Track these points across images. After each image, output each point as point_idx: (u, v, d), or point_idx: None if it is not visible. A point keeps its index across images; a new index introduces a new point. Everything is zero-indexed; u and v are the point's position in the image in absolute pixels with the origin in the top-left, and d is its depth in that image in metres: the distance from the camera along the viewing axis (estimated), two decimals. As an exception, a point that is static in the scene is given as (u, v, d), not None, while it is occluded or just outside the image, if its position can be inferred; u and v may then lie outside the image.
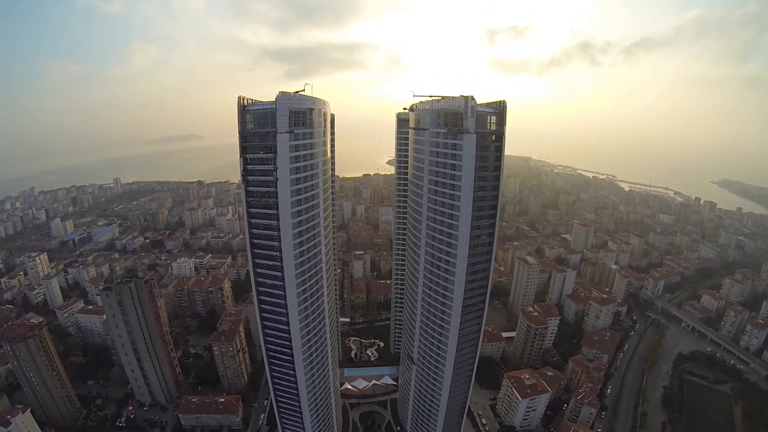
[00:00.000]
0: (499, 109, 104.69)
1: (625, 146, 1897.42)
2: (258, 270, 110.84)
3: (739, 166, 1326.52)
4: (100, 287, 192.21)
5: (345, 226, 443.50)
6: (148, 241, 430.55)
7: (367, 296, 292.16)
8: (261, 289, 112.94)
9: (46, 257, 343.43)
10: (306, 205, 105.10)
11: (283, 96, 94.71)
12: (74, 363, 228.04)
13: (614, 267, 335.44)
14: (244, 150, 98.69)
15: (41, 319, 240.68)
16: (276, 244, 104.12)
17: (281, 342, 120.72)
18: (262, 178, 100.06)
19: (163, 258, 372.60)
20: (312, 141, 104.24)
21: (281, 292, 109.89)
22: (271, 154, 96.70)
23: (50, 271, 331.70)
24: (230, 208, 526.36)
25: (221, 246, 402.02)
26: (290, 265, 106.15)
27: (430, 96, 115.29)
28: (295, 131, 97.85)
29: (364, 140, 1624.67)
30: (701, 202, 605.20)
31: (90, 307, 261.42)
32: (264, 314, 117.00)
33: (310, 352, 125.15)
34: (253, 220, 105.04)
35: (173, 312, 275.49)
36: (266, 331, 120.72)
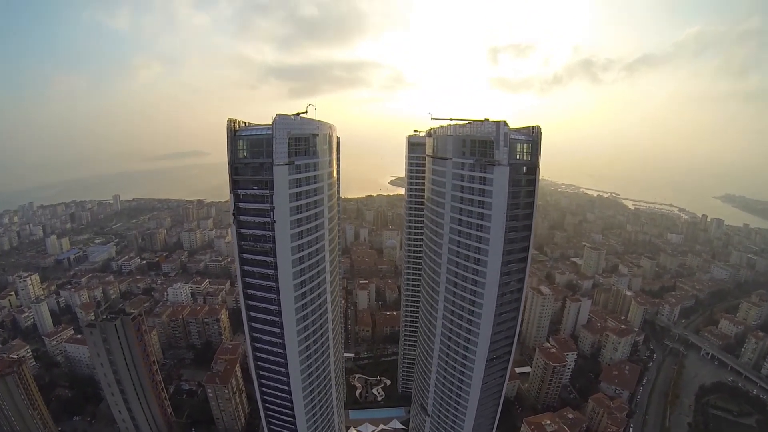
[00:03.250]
0: (532, 135, 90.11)
1: (627, 163, 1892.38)
2: (253, 324, 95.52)
3: (742, 180, 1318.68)
4: (85, 324, 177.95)
5: (348, 251, 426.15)
6: (144, 262, 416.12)
7: (373, 329, 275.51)
8: (257, 345, 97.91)
9: (38, 278, 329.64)
10: (309, 249, 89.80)
11: (281, 120, 79.44)
12: (60, 397, 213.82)
13: (629, 293, 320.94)
14: (235, 185, 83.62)
15: (26, 347, 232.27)
16: (274, 296, 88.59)
17: (282, 405, 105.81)
18: (257, 219, 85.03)
19: (159, 282, 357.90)
20: (316, 173, 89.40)
21: (281, 350, 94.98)
22: (267, 191, 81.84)
23: (42, 292, 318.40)
24: (230, 230, 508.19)
25: (219, 270, 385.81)
26: (291, 323, 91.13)
27: (451, 119, 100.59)
28: (296, 162, 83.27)
29: (366, 159, 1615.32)
30: (708, 220, 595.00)
31: (79, 336, 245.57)
32: (261, 371, 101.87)
33: (312, 405, 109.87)
34: (246, 268, 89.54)
35: (167, 342, 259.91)
36: (264, 390, 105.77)
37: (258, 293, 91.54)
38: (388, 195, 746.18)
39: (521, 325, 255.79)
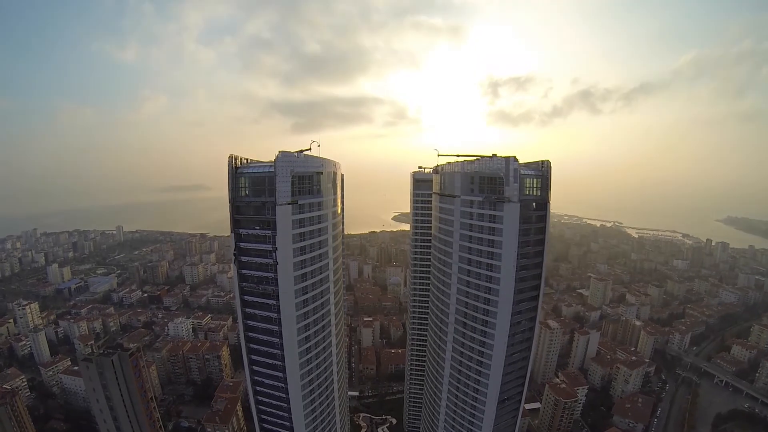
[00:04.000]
0: (542, 170, 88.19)
1: (628, 191, 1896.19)
2: (255, 368, 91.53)
3: (743, 201, 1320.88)
4: (81, 358, 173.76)
5: (351, 288, 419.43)
6: (146, 295, 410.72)
7: (377, 367, 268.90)
8: (258, 389, 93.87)
9: (37, 307, 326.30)
10: (313, 292, 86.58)
11: (284, 157, 76.85)
12: (54, 429, 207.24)
13: (638, 323, 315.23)
14: (236, 224, 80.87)
15: (21, 377, 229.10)
16: (277, 340, 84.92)
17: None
18: (259, 260, 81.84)
19: (159, 315, 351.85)
20: (320, 213, 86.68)
21: (283, 395, 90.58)
22: (270, 231, 78.80)
23: (41, 321, 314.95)
24: (233, 265, 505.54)
25: (222, 306, 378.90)
26: (294, 366, 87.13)
27: (458, 155, 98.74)
28: (300, 201, 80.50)
29: (369, 195, 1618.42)
30: (713, 244, 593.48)
31: (76, 367, 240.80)
32: (263, 415, 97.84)
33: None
34: (248, 310, 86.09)
35: (166, 378, 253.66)
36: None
37: (260, 336, 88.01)
38: (392, 231, 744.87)
39: (531, 362, 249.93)
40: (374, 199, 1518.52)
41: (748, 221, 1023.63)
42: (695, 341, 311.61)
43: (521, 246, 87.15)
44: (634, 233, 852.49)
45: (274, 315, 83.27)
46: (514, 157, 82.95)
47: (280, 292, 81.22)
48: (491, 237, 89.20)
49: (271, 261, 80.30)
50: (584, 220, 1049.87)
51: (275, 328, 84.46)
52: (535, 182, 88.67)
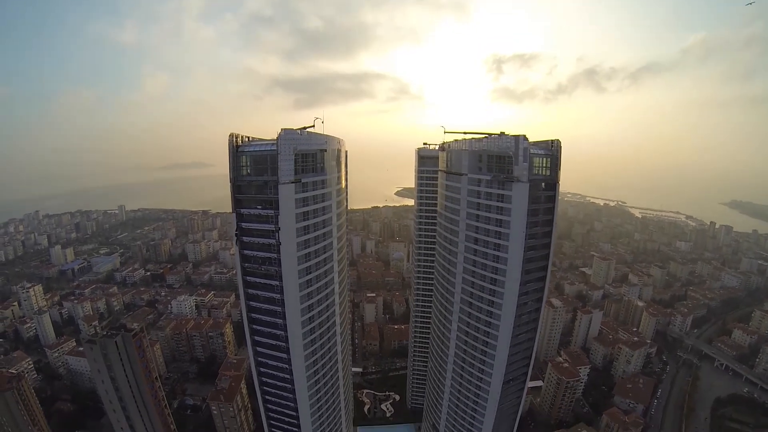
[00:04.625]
0: (551, 150, 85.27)
1: (632, 171, 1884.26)
2: (258, 349, 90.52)
3: (749, 185, 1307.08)
4: (85, 340, 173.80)
5: (354, 263, 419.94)
6: (148, 274, 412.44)
7: (381, 343, 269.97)
8: (262, 369, 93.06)
9: (41, 289, 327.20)
10: (317, 272, 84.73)
11: (286, 135, 74.13)
12: (61, 411, 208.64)
13: (640, 304, 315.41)
14: (237, 203, 78.50)
15: (27, 359, 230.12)
16: (280, 321, 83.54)
17: (289, 423, 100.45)
18: (262, 240, 79.71)
19: (163, 294, 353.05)
20: (324, 191, 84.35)
21: (287, 376, 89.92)
22: (272, 211, 76.50)
23: (45, 303, 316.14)
24: (235, 245, 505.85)
25: (224, 283, 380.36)
26: (298, 347, 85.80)
27: (465, 133, 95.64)
28: (303, 180, 78.07)
29: (371, 170, 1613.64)
30: (716, 227, 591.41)
31: (81, 348, 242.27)
32: (267, 396, 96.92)
33: (320, 423, 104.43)
34: (250, 291, 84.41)
35: (170, 356, 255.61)
36: (270, 414, 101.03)
37: (263, 318, 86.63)
38: (394, 206, 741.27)
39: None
40: (377, 174, 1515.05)
41: (752, 205, 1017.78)
42: (697, 324, 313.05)
43: (529, 226, 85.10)
44: (637, 213, 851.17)
45: (277, 296, 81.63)
46: (524, 136, 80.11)
47: (283, 273, 79.49)
48: (499, 217, 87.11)
49: (273, 241, 78.30)
50: (588, 199, 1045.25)
51: (278, 309, 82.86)
52: (544, 162, 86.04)
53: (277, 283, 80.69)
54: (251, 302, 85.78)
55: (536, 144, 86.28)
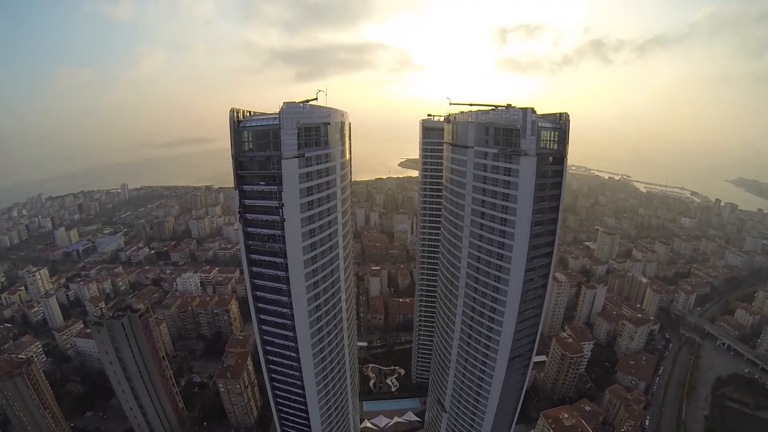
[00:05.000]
0: (560, 123, 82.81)
1: (637, 145, 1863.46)
2: (264, 327, 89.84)
3: (756, 164, 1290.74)
4: (92, 323, 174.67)
5: (358, 236, 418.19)
6: (153, 252, 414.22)
7: (386, 317, 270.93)
8: (268, 348, 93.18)
9: (47, 272, 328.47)
10: (322, 248, 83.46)
11: (289, 108, 71.77)
12: (72, 392, 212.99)
13: (644, 280, 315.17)
14: (240, 180, 76.56)
15: (36, 343, 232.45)
16: (285, 299, 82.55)
17: (295, 401, 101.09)
18: (265, 217, 78.20)
19: (167, 272, 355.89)
20: (328, 165, 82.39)
21: (294, 353, 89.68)
22: (276, 186, 74.73)
23: (51, 286, 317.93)
24: (238, 223, 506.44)
25: (229, 258, 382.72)
26: (304, 325, 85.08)
27: (471, 104, 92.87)
28: (307, 154, 76.08)
29: (374, 142, 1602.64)
30: (721, 204, 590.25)
31: (88, 330, 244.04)
32: (273, 374, 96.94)
33: (327, 400, 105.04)
34: (254, 269, 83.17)
35: (177, 334, 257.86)
36: (276, 391, 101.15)
37: (268, 296, 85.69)
38: (398, 177, 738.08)
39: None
40: (380, 146, 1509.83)
41: (758, 184, 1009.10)
42: (700, 302, 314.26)
43: (536, 201, 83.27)
44: (642, 187, 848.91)
45: (282, 273, 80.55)
46: (532, 108, 77.47)
47: (288, 250, 78.15)
48: (506, 191, 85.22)
49: (277, 218, 76.88)
50: (592, 172, 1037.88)
51: (283, 286, 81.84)
52: (552, 135, 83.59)
53: (282, 260, 79.42)
54: (255, 280, 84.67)
55: (544, 117, 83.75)
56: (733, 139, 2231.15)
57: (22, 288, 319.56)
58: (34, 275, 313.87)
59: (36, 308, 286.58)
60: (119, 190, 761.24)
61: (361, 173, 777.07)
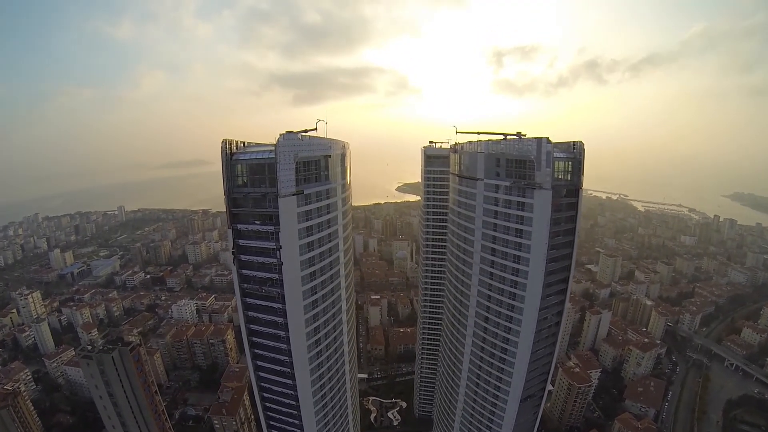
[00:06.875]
0: (574, 153, 78.27)
1: (634, 164, 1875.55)
2: (260, 374, 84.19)
3: (750, 177, 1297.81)
4: (80, 356, 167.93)
5: (357, 262, 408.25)
6: (148, 277, 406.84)
7: (386, 347, 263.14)
8: (266, 395, 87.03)
9: (39, 295, 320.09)
10: (323, 291, 78.02)
11: (286, 140, 66.26)
12: (61, 423, 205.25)
13: (649, 303, 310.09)
14: (233, 218, 70.89)
15: (26, 370, 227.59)
16: (284, 347, 76.78)
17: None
18: (262, 259, 72.46)
19: (163, 298, 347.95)
20: (329, 201, 77.12)
21: (294, 402, 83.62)
22: (272, 227, 69.05)
23: (43, 310, 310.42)
24: (232, 265, 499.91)
25: (225, 285, 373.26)
26: (303, 369, 79.34)
27: (479, 133, 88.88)
28: (306, 191, 70.81)
29: (372, 165, 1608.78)
30: (720, 220, 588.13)
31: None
32: (271, 422, 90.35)
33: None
34: (250, 314, 77.50)
35: (171, 364, 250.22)
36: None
37: (265, 342, 79.88)
38: (396, 202, 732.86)
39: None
40: (378, 168, 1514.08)
41: (754, 197, 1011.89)
42: (705, 322, 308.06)
43: (551, 237, 78.58)
44: (640, 206, 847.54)
45: (280, 320, 75.11)
46: (547, 138, 73.11)
47: (287, 295, 72.72)
48: (519, 226, 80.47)
49: (275, 260, 71.29)
50: (590, 192, 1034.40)
51: (282, 333, 76.28)
52: (566, 166, 79.04)
53: (280, 306, 73.87)
54: (251, 325, 79.00)
55: (556, 146, 79.08)
56: (727, 153, 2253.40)
57: (14, 311, 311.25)
58: (26, 298, 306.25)
59: (27, 332, 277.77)
60: (116, 212, 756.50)
61: (359, 198, 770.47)
